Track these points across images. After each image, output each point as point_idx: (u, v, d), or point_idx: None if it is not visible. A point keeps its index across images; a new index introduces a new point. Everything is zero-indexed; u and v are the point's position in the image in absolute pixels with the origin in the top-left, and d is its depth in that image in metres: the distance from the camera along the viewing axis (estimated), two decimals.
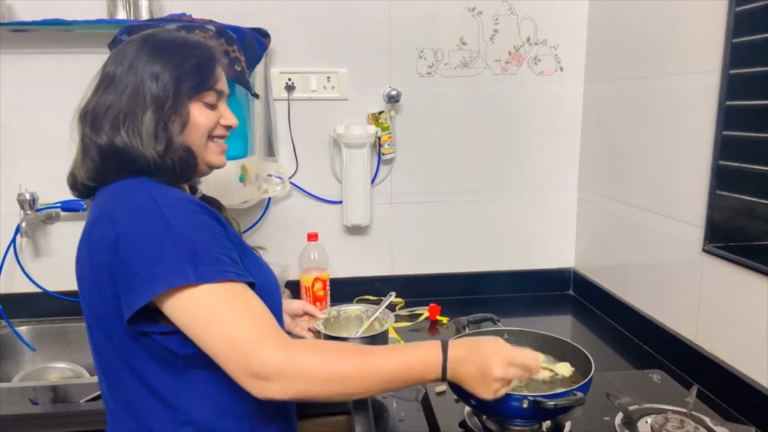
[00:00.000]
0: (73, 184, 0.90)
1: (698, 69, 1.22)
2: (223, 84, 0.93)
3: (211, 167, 0.95)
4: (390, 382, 0.79)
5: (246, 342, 0.73)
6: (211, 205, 1.00)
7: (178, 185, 0.91)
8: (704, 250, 1.21)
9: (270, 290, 0.90)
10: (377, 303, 1.71)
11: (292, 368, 0.73)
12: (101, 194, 0.87)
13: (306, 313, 1.24)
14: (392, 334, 1.47)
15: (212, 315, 0.74)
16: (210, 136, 0.92)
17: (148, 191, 0.81)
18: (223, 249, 0.79)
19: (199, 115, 0.89)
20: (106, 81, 0.87)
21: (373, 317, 1.26)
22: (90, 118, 0.85)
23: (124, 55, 0.87)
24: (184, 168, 0.88)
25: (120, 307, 0.78)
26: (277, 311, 0.89)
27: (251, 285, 0.80)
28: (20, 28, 1.48)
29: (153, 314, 0.78)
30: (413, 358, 0.79)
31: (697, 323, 1.24)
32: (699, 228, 1.22)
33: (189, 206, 0.81)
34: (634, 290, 1.51)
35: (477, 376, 0.80)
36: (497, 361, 0.80)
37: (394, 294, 1.34)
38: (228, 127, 0.95)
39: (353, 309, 1.30)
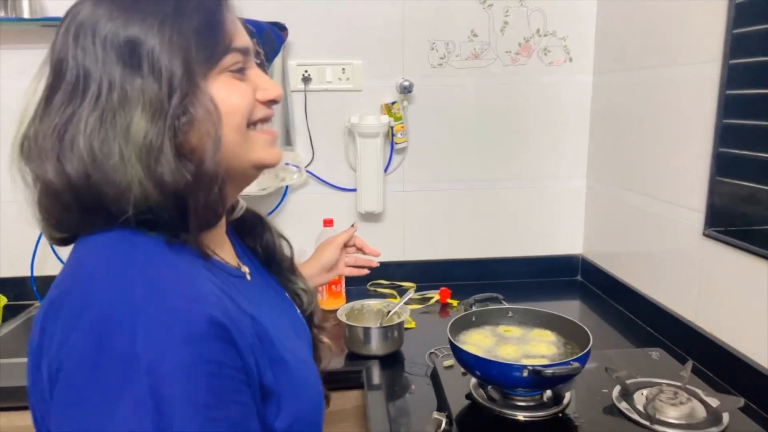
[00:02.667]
0: (44, 233, 0.62)
1: (700, 59, 1.26)
2: (244, 38, 0.61)
3: (261, 167, 0.63)
4: None
5: None
6: (253, 223, 0.78)
7: (194, 239, 0.57)
8: (705, 235, 1.25)
9: (303, 425, 0.62)
10: (390, 288, 1.79)
11: None
12: (73, 252, 0.58)
13: (346, 245, 1.15)
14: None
15: None
16: (249, 123, 0.60)
17: (127, 286, 0.49)
18: (221, 412, 0.49)
19: (229, 93, 0.57)
20: (53, 77, 0.55)
21: (393, 311, 1.38)
22: (32, 145, 0.55)
23: (70, 29, 0.54)
24: (204, 205, 0.55)
25: None
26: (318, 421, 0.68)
27: None
28: (52, 23, 1.57)
29: None
30: None
31: (698, 305, 1.29)
32: (700, 213, 1.27)
33: (188, 330, 0.48)
34: (638, 275, 1.56)
35: None
36: None
37: (413, 291, 1.44)
38: (271, 102, 0.63)
39: (374, 303, 1.45)
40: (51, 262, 1.69)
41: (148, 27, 0.53)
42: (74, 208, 0.55)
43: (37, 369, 0.52)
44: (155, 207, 0.53)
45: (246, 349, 0.52)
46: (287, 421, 0.58)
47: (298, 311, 0.78)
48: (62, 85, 0.54)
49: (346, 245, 1.17)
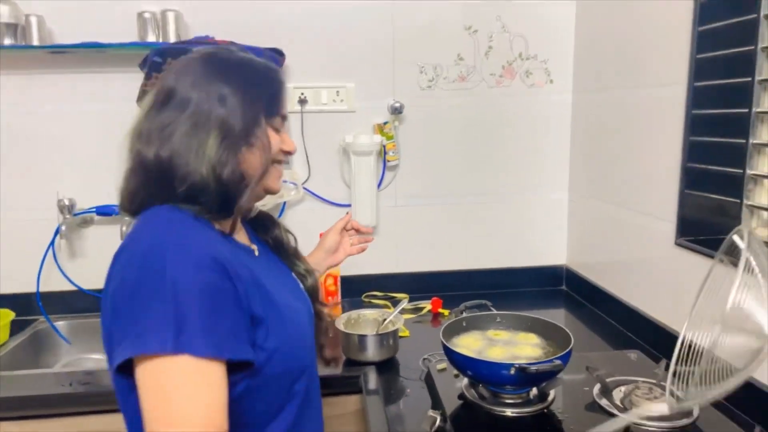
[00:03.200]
0: (120, 204, 0.85)
1: (668, 81, 1.37)
2: (286, 108, 0.90)
3: (269, 192, 0.90)
4: None
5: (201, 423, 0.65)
6: (265, 221, 1.02)
7: (214, 218, 0.82)
8: (677, 244, 1.35)
9: (288, 353, 0.82)
10: (384, 299, 1.86)
11: None
12: (138, 219, 0.81)
13: (344, 229, 1.30)
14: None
15: (168, 392, 0.66)
16: (274, 160, 0.87)
17: (165, 238, 0.73)
18: (219, 317, 0.70)
19: (268, 140, 0.84)
20: (164, 97, 0.81)
21: (387, 320, 1.46)
22: (145, 135, 0.80)
23: (186, 72, 0.82)
24: (224, 198, 0.80)
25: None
26: (300, 368, 0.86)
27: (245, 362, 0.74)
28: (60, 50, 1.65)
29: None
30: None
31: (672, 309, 1.38)
32: (672, 223, 1.37)
33: (199, 264, 0.71)
34: (617, 282, 1.65)
35: None
36: None
37: (406, 301, 1.52)
38: (287, 154, 0.90)
39: (370, 313, 1.54)
40: (56, 278, 1.75)
41: (234, 89, 0.81)
42: (150, 184, 0.80)
43: (105, 311, 0.74)
44: (204, 191, 0.78)
45: (239, 285, 0.74)
46: (273, 344, 0.78)
47: (302, 287, 1.00)
48: (171, 103, 0.81)
49: (344, 229, 1.31)
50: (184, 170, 0.78)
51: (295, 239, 1.05)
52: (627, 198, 1.59)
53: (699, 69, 1.27)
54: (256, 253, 0.92)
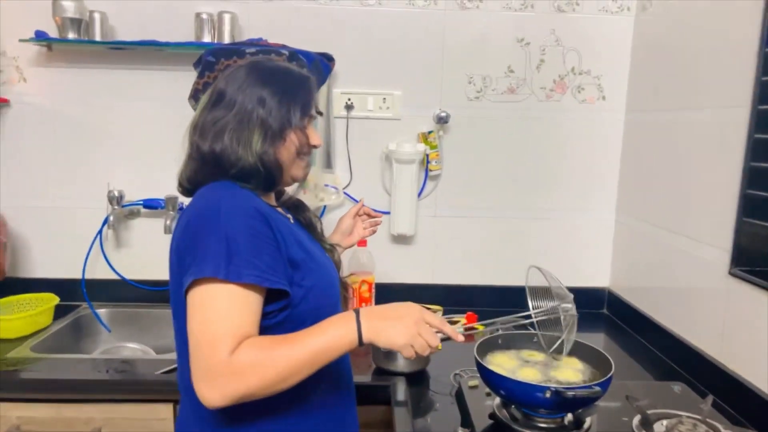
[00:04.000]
0: (179, 184, 1.03)
1: (730, 103, 1.31)
2: (314, 109, 1.05)
3: (295, 180, 1.06)
4: (317, 359, 0.85)
5: (208, 343, 0.82)
6: (294, 206, 1.15)
7: (260, 192, 1.00)
8: (730, 274, 1.29)
9: (321, 291, 0.99)
10: None
11: (230, 369, 0.81)
12: (196, 194, 0.99)
13: (357, 215, 1.42)
14: None
15: (212, 308, 0.84)
16: (299, 153, 1.02)
17: (221, 193, 0.92)
18: (262, 254, 0.87)
19: (296, 137, 1.00)
20: (216, 98, 0.98)
21: None
22: (200, 128, 0.98)
23: (234, 78, 0.99)
24: (270, 178, 0.98)
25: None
26: (331, 304, 1.01)
27: (280, 291, 0.89)
28: (119, 46, 1.70)
29: None
30: (332, 332, 0.86)
31: (721, 342, 1.31)
32: (726, 252, 1.30)
33: (246, 212, 0.89)
34: (663, 309, 1.58)
35: (393, 323, 0.87)
36: (411, 307, 0.91)
37: (440, 313, 1.50)
38: (313, 147, 1.05)
39: None
40: (101, 267, 1.80)
41: (272, 94, 0.98)
42: (205, 169, 0.98)
43: (172, 260, 0.94)
44: (252, 175, 0.96)
45: (277, 233, 0.92)
46: (309, 283, 0.96)
47: (330, 259, 1.13)
48: (221, 103, 0.98)
49: (357, 214, 1.43)
50: (234, 158, 0.95)
51: (320, 222, 1.21)
52: (678, 222, 1.52)
53: (764, 92, 1.21)
54: (291, 221, 1.09)
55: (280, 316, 0.92)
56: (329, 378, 1.00)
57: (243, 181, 0.97)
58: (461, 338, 0.95)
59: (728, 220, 1.29)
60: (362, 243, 1.75)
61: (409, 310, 0.90)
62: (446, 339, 0.94)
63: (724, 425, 1.05)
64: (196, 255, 0.86)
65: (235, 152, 0.95)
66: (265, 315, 0.90)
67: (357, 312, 0.88)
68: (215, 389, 0.81)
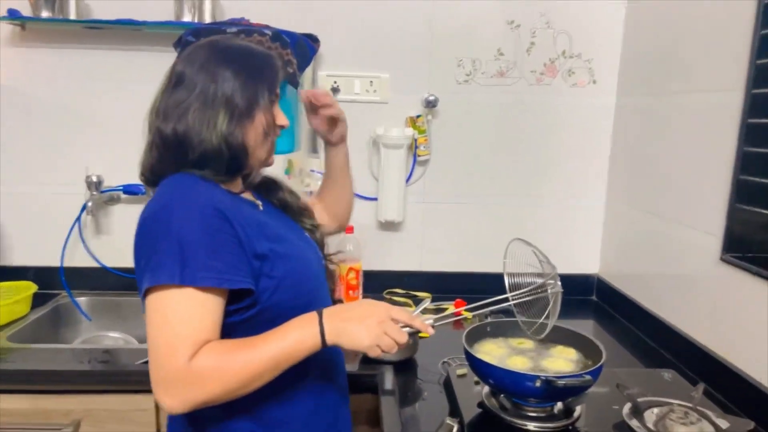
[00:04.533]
0: (141, 174, 0.98)
1: (723, 87, 1.29)
2: (278, 87, 0.99)
3: (261, 164, 1.01)
4: (279, 363, 0.83)
5: (166, 349, 0.79)
6: (268, 185, 1.10)
7: (223, 179, 0.95)
8: (722, 260, 1.27)
9: (295, 279, 0.94)
10: (406, 297, 1.82)
11: (189, 375, 0.79)
12: (156, 191, 0.94)
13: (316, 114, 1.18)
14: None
15: (168, 316, 0.81)
16: (266, 134, 0.97)
17: (176, 192, 0.88)
18: (220, 253, 0.84)
19: (264, 117, 0.95)
20: (176, 79, 0.93)
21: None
22: (162, 112, 0.92)
23: (194, 57, 0.93)
24: (235, 162, 0.93)
25: None
26: (309, 291, 0.97)
27: (244, 290, 0.86)
28: (95, 26, 1.64)
29: None
30: (293, 336, 0.84)
31: (712, 328, 1.30)
32: (717, 238, 1.28)
33: (202, 211, 0.84)
34: (653, 296, 1.57)
35: (356, 324, 0.85)
36: (377, 305, 0.88)
37: (429, 300, 1.44)
38: (280, 127, 1.00)
39: None
40: (80, 254, 1.75)
41: (236, 73, 0.92)
42: (167, 156, 0.92)
43: (134, 258, 0.87)
44: (215, 158, 0.91)
45: (238, 227, 0.87)
46: (280, 273, 0.91)
47: (312, 239, 1.09)
48: (183, 84, 0.92)
49: (315, 113, 1.18)
50: (197, 140, 0.90)
51: (298, 197, 1.13)
52: (668, 208, 1.50)
53: (759, 75, 1.19)
54: (261, 208, 1.03)
55: (252, 311, 0.89)
56: (319, 370, 0.98)
57: (204, 167, 0.92)
58: (431, 331, 0.93)
59: (720, 205, 1.28)
60: (349, 230, 1.72)
61: (374, 309, 0.88)
62: (415, 332, 0.91)
63: (716, 413, 1.04)
64: (150, 260, 0.83)
65: (199, 134, 0.90)
66: (233, 312, 0.87)
67: (320, 314, 0.86)
68: (174, 396, 0.80)
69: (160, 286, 0.81)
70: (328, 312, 0.86)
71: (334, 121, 1.18)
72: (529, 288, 1.05)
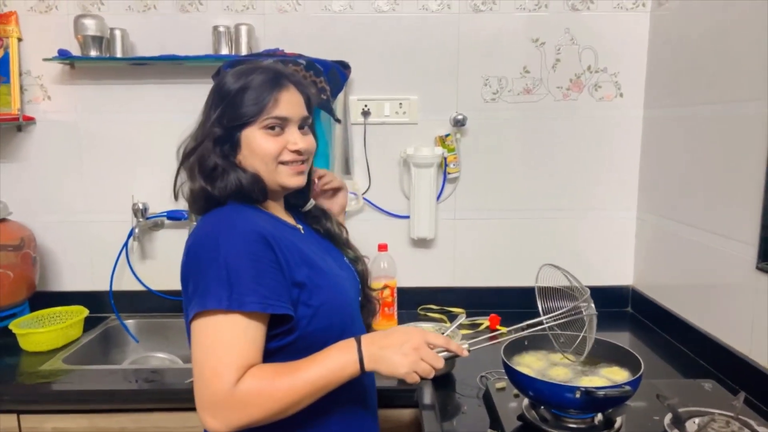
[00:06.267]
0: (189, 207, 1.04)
1: (750, 97, 1.30)
2: (286, 109, 0.96)
3: (284, 188, 1.00)
4: (319, 389, 0.86)
5: (212, 373, 0.83)
6: (318, 214, 1.13)
7: (264, 205, 1.01)
8: (758, 268, 1.27)
9: (331, 309, 0.96)
10: (440, 312, 1.84)
11: (233, 399, 0.82)
12: (204, 216, 0.99)
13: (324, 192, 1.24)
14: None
15: (215, 341, 0.84)
16: (279, 162, 0.97)
17: (220, 220, 0.92)
18: (264, 279, 0.86)
19: (262, 141, 0.95)
20: (201, 113, 1.01)
21: (445, 334, 1.40)
22: (180, 154, 1.01)
23: (213, 87, 1.01)
24: (254, 192, 0.96)
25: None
26: (344, 322, 0.98)
27: (285, 315, 0.89)
28: (140, 62, 1.74)
29: None
30: (333, 362, 0.86)
31: (751, 338, 1.30)
32: (753, 246, 1.28)
33: (246, 237, 0.87)
34: (690, 306, 1.56)
35: (394, 351, 0.87)
36: (412, 332, 0.90)
37: (464, 316, 1.47)
38: (297, 152, 0.98)
39: (427, 326, 1.52)
40: (127, 278, 1.83)
41: (223, 97, 0.96)
42: (199, 198, 0.98)
43: (182, 285, 0.91)
44: (233, 195, 0.96)
45: (279, 254, 0.90)
46: (318, 302, 0.93)
47: (352, 268, 1.11)
48: (200, 121, 1.01)
49: (321, 191, 1.24)
50: (207, 194, 0.96)
51: (347, 231, 1.18)
52: (701, 218, 1.51)
53: None
54: (302, 232, 1.06)
55: (289, 337, 0.92)
56: (350, 393, 0.99)
57: (237, 200, 0.96)
58: (466, 353, 0.95)
59: (754, 213, 1.28)
60: (383, 248, 1.76)
61: (409, 336, 0.89)
62: (453, 356, 0.94)
63: (758, 422, 1.04)
64: (198, 287, 0.86)
65: (206, 188, 0.96)
66: (272, 338, 0.90)
67: (358, 341, 0.88)
68: (218, 419, 0.83)
69: (207, 312, 0.84)
70: (366, 339, 0.89)
71: (335, 191, 1.24)
72: (563, 311, 1.06)
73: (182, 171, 1.00)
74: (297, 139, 0.98)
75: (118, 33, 1.69)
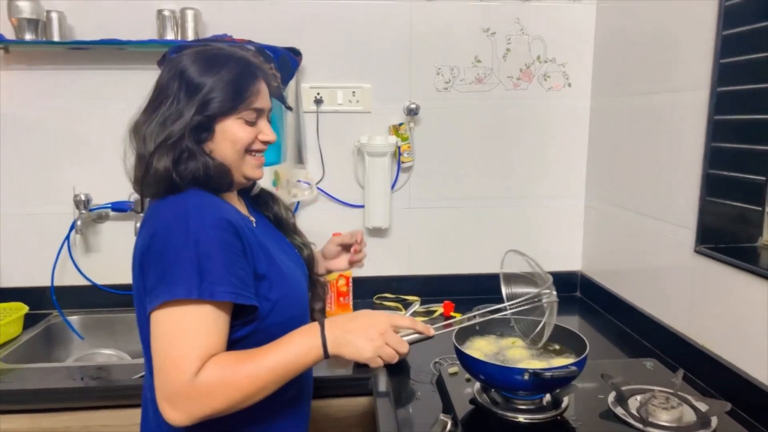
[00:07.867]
0: (139, 191, 0.95)
1: (690, 86, 1.35)
2: (263, 101, 0.96)
3: (248, 179, 0.99)
4: (282, 375, 0.84)
5: (173, 364, 0.79)
6: (266, 199, 1.12)
7: (224, 194, 0.97)
8: (696, 251, 1.33)
9: (289, 302, 0.95)
10: (395, 301, 1.85)
11: (195, 390, 0.79)
12: (164, 201, 0.92)
13: (342, 246, 1.28)
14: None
15: (182, 330, 0.80)
16: (248, 150, 0.96)
17: (189, 204, 0.87)
18: (235, 269, 0.84)
19: (238, 131, 0.93)
20: (156, 94, 0.93)
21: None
22: (142, 135, 0.91)
23: (173, 68, 0.92)
24: (220, 182, 0.93)
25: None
26: (300, 315, 0.99)
27: (246, 307, 0.87)
28: (79, 46, 1.66)
29: None
30: (296, 348, 0.84)
31: (690, 317, 1.36)
32: (691, 231, 1.34)
33: (217, 224, 0.84)
34: (634, 290, 1.63)
35: (358, 335, 0.86)
36: (377, 316, 0.89)
37: (418, 304, 1.47)
38: (266, 143, 0.98)
39: None
40: (70, 273, 1.76)
41: (201, 83, 0.90)
42: (159, 185, 0.90)
43: (134, 273, 0.89)
44: (196, 181, 0.90)
45: (245, 243, 0.88)
46: (276, 296, 0.92)
47: (300, 257, 1.10)
48: (158, 102, 0.92)
49: (342, 245, 1.29)
50: (170, 176, 0.89)
51: (293, 216, 1.16)
52: (645, 204, 1.56)
53: (723, 74, 1.25)
54: (254, 224, 1.03)
55: (247, 328, 0.89)
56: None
57: (199, 187, 0.91)
58: (433, 332, 0.95)
59: (692, 199, 1.34)
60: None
61: (375, 320, 0.88)
62: (421, 339, 0.94)
63: (696, 397, 1.09)
64: (163, 275, 0.81)
65: (170, 169, 0.88)
66: (230, 328, 0.87)
67: (322, 325, 0.86)
68: (180, 410, 0.80)
69: (173, 301, 0.80)
70: (329, 323, 0.87)
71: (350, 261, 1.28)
72: (525, 297, 1.07)
73: (135, 151, 0.92)
74: (268, 131, 0.97)
75: (54, 15, 1.61)
